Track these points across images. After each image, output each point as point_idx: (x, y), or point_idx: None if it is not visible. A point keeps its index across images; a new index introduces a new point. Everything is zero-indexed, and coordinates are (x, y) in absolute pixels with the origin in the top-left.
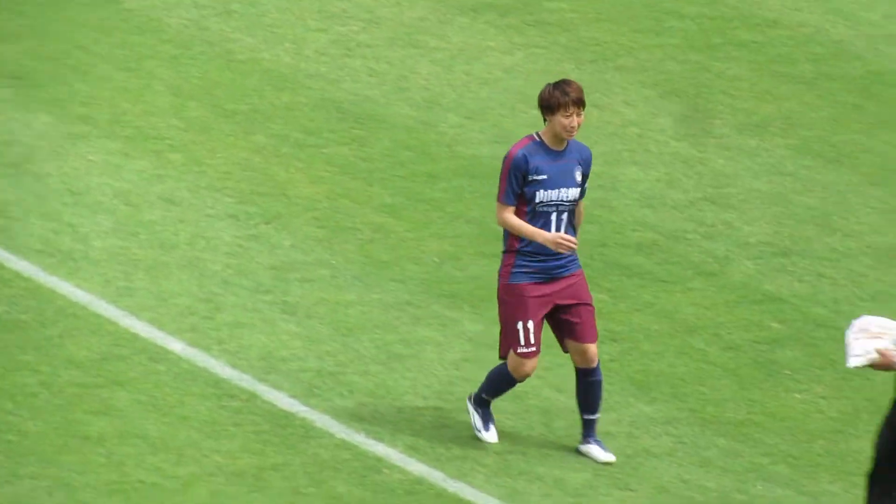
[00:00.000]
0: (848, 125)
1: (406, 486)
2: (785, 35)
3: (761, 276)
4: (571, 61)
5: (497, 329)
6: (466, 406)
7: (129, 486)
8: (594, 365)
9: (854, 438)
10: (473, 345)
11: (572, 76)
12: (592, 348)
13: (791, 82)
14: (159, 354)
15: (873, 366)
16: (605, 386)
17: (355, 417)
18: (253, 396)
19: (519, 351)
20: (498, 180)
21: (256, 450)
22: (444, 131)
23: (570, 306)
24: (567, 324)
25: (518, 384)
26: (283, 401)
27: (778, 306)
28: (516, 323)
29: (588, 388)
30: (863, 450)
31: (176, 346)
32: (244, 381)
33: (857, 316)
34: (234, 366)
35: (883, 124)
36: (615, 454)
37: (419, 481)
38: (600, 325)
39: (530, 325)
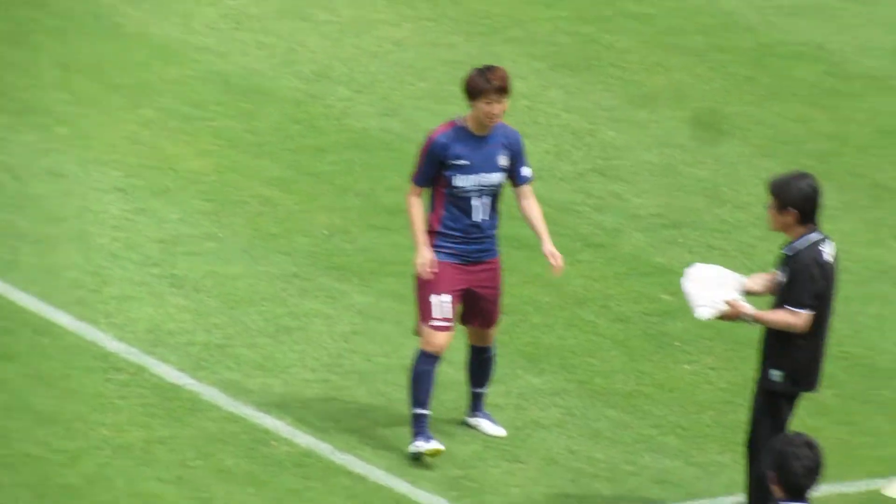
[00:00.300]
0: (739, 97)
1: (294, 459)
2: (675, 6)
3: (651, 247)
4: (461, 34)
5: (388, 303)
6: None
7: (15, 459)
8: (490, 343)
9: (743, 409)
10: (362, 317)
11: (462, 49)
12: (492, 331)
13: (681, 54)
14: (46, 328)
15: (722, 317)
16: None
17: (243, 390)
18: (140, 370)
19: (431, 323)
20: (416, 158)
21: (144, 423)
22: (333, 104)
23: (481, 292)
24: (473, 308)
25: (436, 363)
26: (170, 374)
27: (668, 278)
28: (429, 296)
29: (482, 364)
30: None
31: (63, 319)
32: (131, 354)
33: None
34: (121, 339)
35: (774, 96)
36: (504, 426)
37: (307, 454)
38: None
39: (446, 298)
